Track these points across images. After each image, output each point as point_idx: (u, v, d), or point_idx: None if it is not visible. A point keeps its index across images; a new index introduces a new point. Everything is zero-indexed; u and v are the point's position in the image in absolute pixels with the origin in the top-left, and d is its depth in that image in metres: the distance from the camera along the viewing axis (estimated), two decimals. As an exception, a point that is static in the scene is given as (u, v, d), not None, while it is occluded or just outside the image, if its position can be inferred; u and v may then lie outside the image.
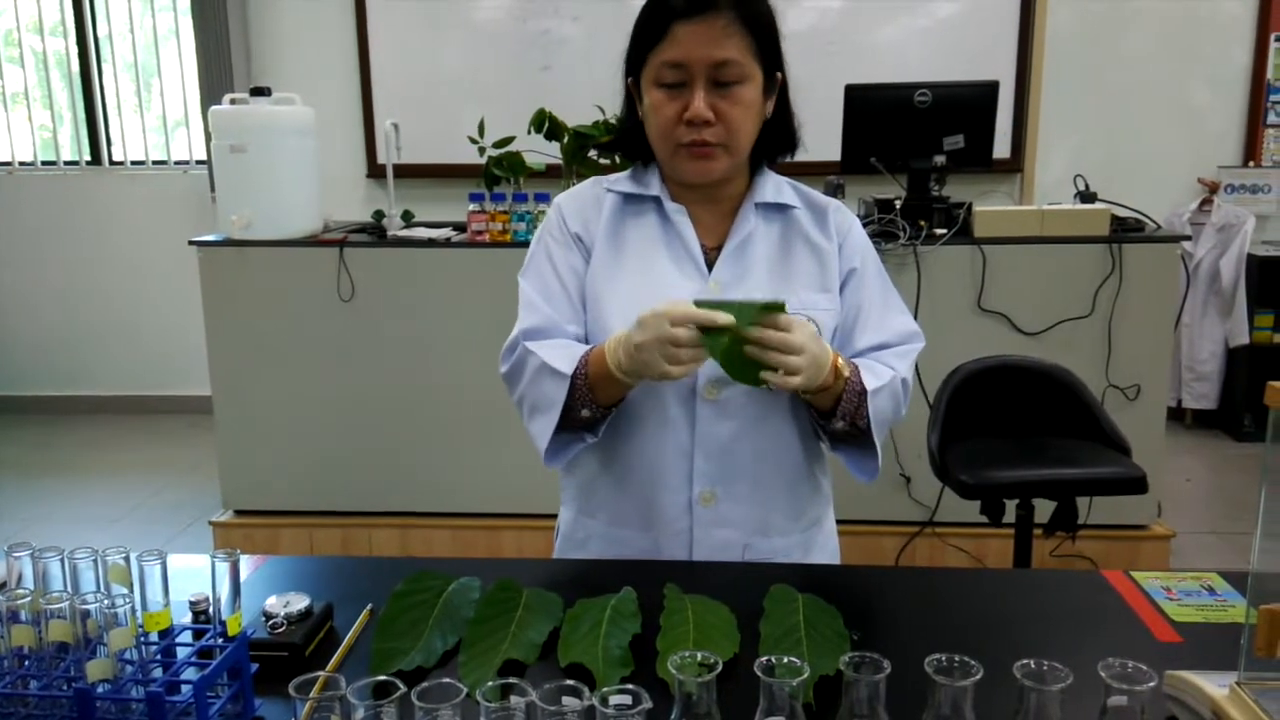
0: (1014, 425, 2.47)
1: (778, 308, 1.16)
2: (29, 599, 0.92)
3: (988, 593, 1.25)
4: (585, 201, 1.41)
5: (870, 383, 1.28)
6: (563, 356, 1.28)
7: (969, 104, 3.12)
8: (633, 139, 1.39)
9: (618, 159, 2.94)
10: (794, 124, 1.40)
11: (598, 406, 1.28)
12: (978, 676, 0.76)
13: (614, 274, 1.35)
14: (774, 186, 1.40)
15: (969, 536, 3.18)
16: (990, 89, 3.11)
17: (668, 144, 1.31)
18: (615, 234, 1.37)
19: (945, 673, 0.77)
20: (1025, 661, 0.77)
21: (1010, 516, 2.40)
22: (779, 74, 1.35)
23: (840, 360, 1.27)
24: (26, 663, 0.92)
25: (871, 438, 1.30)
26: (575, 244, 1.38)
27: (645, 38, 1.29)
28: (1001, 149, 4.27)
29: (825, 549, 1.46)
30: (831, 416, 1.30)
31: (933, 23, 4.47)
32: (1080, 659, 0.85)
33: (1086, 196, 3.27)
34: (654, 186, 1.38)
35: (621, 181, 1.41)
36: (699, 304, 1.16)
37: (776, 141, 1.39)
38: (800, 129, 1.41)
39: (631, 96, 1.36)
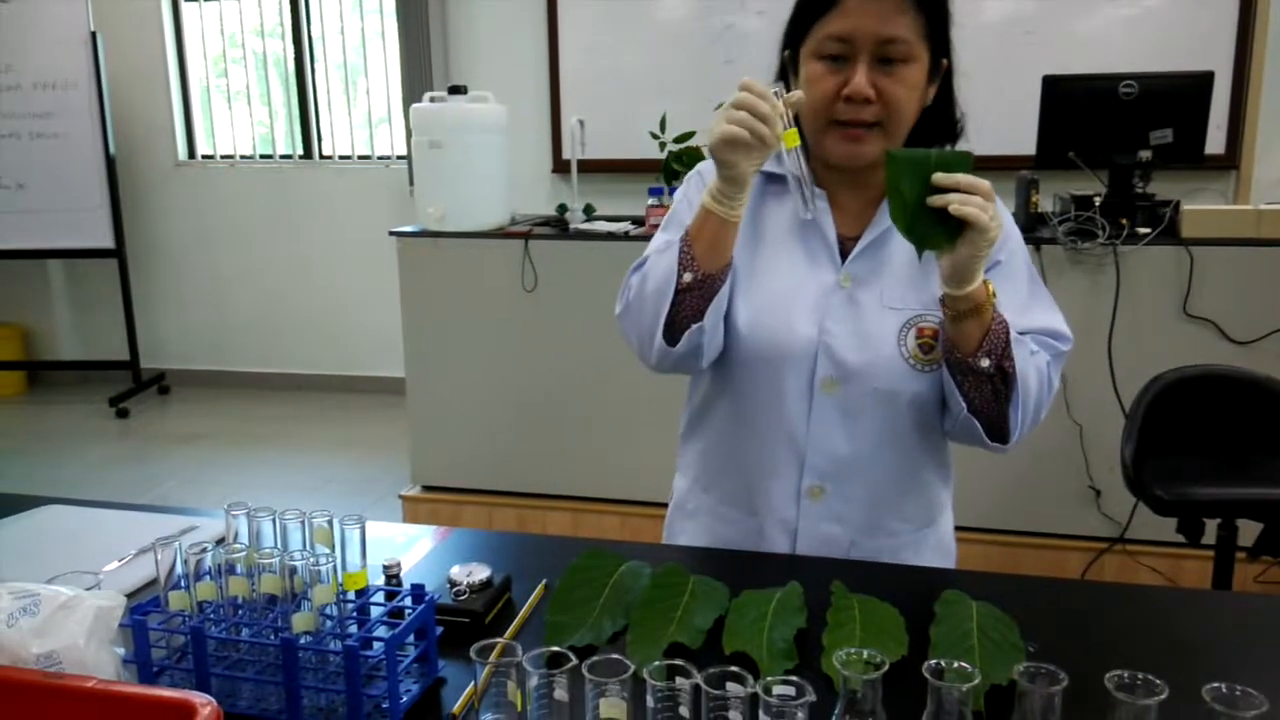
0: (1219, 440, 2.31)
1: (967, 157, 1.11)
2: (245, 553, 1.01)
3: (1180, 612, 1.18)
4: None
5: (1014, 331, 1.21)
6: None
7: (1179, 96, 2.93)
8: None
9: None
10: (955, 114, 1.33)
11: (699, 270, 1.23)
12: (1162, 696, 0.73)
13: (747, 260, 1.32)
14: None
15: (1163, 556, 2.99)
16: (1203, 80, 2.91)
17: (820, 120, 1.26)
18: (754, 217, 1.34)
19: (1127, 690, 0.74)
20: (1216, 685, 0.73)
21: (1210, 537, 2.25)
22: (945, 60, 1.29)
23: (991, 285, 1.20)
24: (240, 611, 1.01)
25: (1013, 388, 1.20)
26: None
27: (813, 7, 1.25)
28: (1215, 144, 3.98)
29: (938, 550, 1.40)
30: (977, 352, 1.20)
31: (1141, 11, 4.21)
32: (1279, 688, 0.79)
33: (1312, 196, 3.02)
34: (796, 168, 1.32)
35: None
36: (891, 154, 1.13)
37: (933, 130, 1.32)
38: (963, 120, 1.34)
39: (785, 71, 1.32)
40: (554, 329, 3.37)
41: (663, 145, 3.38)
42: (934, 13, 1.23)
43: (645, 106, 4.27)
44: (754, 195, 1.34)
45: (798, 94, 1.18)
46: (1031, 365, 1.23)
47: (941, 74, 1.29)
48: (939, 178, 1.11)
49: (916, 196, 1.11)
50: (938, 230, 1.12)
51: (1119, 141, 2.94)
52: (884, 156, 1.27)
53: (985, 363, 1.19)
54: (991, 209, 1.11)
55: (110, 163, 5.16)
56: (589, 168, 3.82)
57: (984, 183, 1.11)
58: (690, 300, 1.25)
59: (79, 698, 0.79)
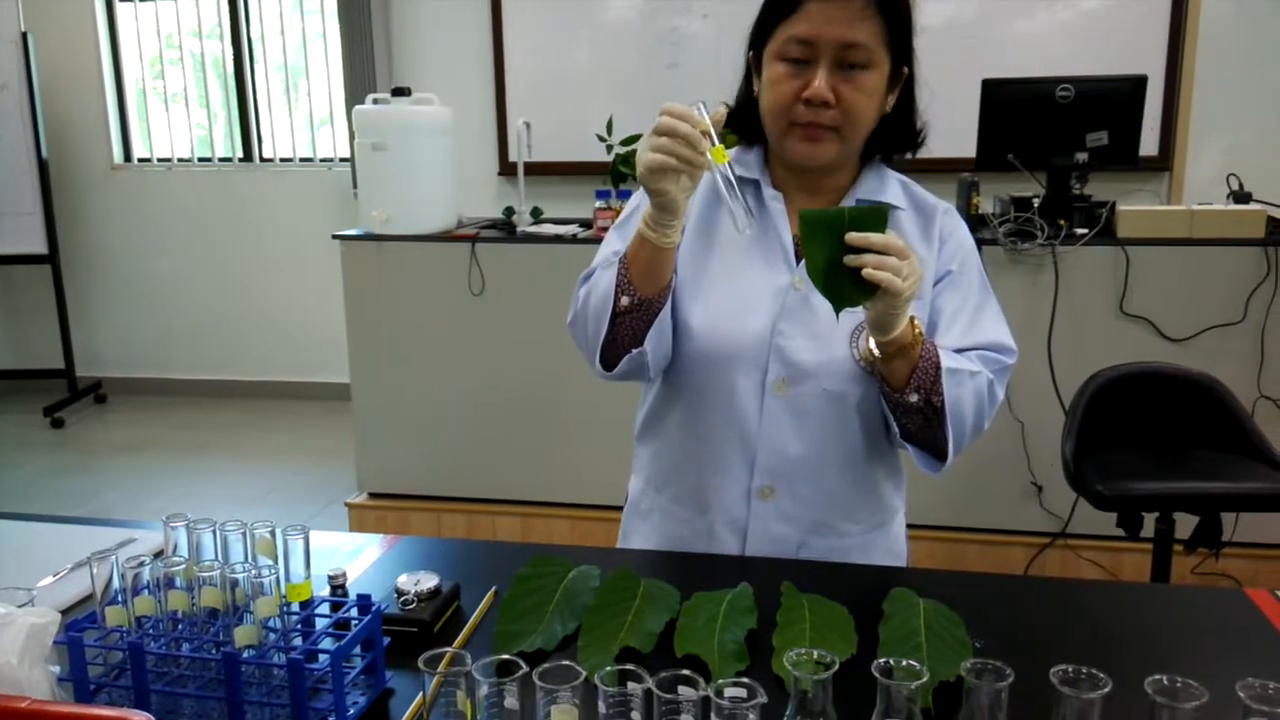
0: (1155, 435, 2.36)
1: (881, 213, 1.11)
2: (184, 567, 0.98)
3: (1121, 606, 1.20)
4: None
5: (946, 361, 1.22)
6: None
7: (1114, 99, 3.00)
8: (745, 115, 1.35)
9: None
10: (915, 123, 1.35)
11: (637, 294, 1.24)
12: (1106, 690, 0.74)
13: (701, 261, 1.33)
14: (880, 184, 1.35)
15: (1103, 550, 3.05)
16: (1137, 83, 2.98)
17: (780, 121, 1.27)
18: (707, 219, 1.35)
19: (1071, 684, 0.75)
20: (1158, 677, 0.74)
21: (1149, 531, 2.30)
22: (906, 69, 1.30)
23: (919, 325, 1.21)
24: (180, 626, 0.98)
25: (944, 420, 1.22)
26: None
27: (776, 9, 1.26)
28: (1149, 146, 4.08)
29: (889, 555, 1.41)
30: (905, 388, 1.22)
31: (1076, 15, 4.30)
32: (1218, 678, 0.81)
33: (1240, 196, 3.10)
34: (755, 169, 1.35)
35: None
36: (803, 214, 1.12)
37: (892, 138, 1.34)
38: (925, 129, 1.36)
39: (750, 71, 1.34)
40: (502, 333, 3.35)
41: (609, 147, 3.38)
42: (895, 20, 1.24)
43: (592, 109, 4.27)
44: (706, 197, 1.35)
45: (720, 110, 1.17)
46: (969, 390, 1.24)
47: (902, 82, 1.30)
48: (852, 238, 1.10)
49: (829, 256, 1.11)
50: (854, 289, 1.12)
51: (1056, 144, 3.00)
52: (840, 159, 1.28)
53: (914, 398, 1.22)
54: (907, 268, 1.11)
55: (43, 166, 5.02)
56: (536, 170, 3.81)
57: (897, 242, 1.12)
58: (629, 322, 1.26)
59: (13, 719, 0.77)
